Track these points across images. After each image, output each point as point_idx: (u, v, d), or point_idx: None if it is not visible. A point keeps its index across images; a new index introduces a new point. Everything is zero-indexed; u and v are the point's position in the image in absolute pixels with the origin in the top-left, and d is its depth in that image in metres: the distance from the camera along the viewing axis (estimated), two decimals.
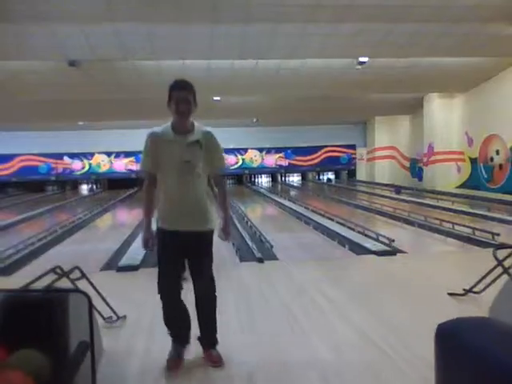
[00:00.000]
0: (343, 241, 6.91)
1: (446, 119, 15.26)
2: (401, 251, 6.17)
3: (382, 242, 6.64)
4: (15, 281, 5.58)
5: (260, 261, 5.86)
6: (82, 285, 3.29)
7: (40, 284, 2.93)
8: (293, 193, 17.59)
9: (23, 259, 6.59)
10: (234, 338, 3.46)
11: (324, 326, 3.74)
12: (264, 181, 22.57)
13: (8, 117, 16.21)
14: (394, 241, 6.50)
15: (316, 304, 4.27)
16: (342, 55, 10.69)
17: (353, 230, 7.82)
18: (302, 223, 9.20)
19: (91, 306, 2.60)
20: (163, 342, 3.23)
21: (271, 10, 8.24)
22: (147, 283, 5.08)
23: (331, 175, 22.84)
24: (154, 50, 9.87)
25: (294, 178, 22.86)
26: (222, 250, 6.72)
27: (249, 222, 8.95)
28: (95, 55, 10.08)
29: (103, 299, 3.53)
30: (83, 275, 3.13)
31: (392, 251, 6.09)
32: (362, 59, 10.83)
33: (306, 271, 5.45)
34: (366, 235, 7.30)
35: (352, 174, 22.14)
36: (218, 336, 3.14)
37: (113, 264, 6.03)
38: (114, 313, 3.77)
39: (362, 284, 4.89)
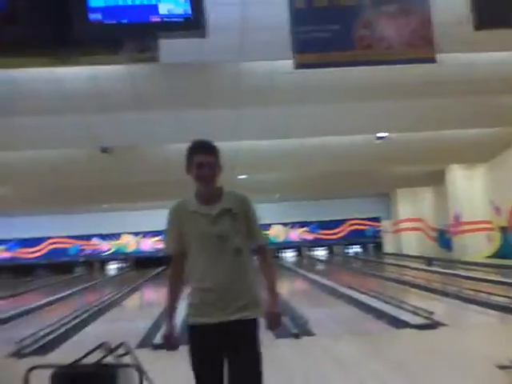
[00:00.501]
0: (379, 314, 6.77)
1: (470, 189, 15.28)
2: (441, 324, 6.00)
3: (419, 315, 6.48)
4: (51, 360, 5.59)
5: (296, 336, 5.76)
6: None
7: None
8: (320, 267, 17.42)
9: (57, 339, 6.59)
10: None
11: None
12: (289, 255, 22.45)
13: (39, 201, 16.81)
14: (432, 313, 6.34)
15: (363, 381, 4.16)
16: (360, 132, 11.03)
17: (387, 303, 7.67)
18: (334, 297, 9.06)
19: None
20: None
21: (293, 92, 8.67)
22: (186, 362, 5.04)
23: (358, 248, 22.63)
24: (181, 134, 10.30)
25: (320, 252, 22.69)
26: None
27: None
28: (125, 142, 10.62)
29: (147, 378, 3.51)
30: (129, 352, 3.15)
31: (432, 324, 5.94)
32: (380, 134, 11.13)
33: (346, 346, 5.33)
34: (401, 308, 7.14)
35: (379, 246, 21.92)
36: None
37: (148, 342, 5.99)
38: None
39: (406, 358, 4.76)
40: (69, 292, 12.82)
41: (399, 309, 7.07)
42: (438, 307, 6.91)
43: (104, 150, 10.67)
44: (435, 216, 18.61)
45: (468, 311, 7.29)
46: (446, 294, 8.41)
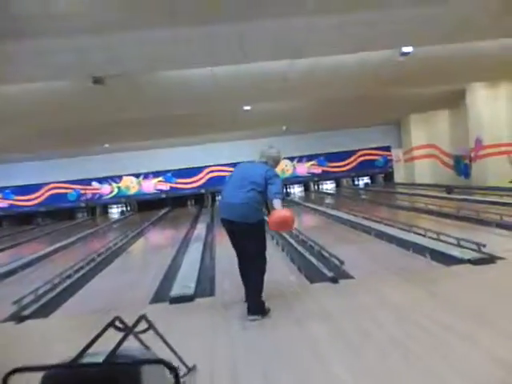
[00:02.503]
0: (421, 250, 5.99)
1: (493, 110, 14.14)
2: (498, 257, 5.23)
3: (468, 248, 5.70)
4: (56, 324, 4.85)
5: (334, 281, 5.01)
6: (146, 336, 2.49)
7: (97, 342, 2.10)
8: (333, 201, 16.68)
9: (61, 295, 5.86)
10: None
11: (451, 356, 2.93)
12: (297, 190, 21.71)
13: (28, 145, 15.75)
14: (484, 246, 5.55)
15: (427, 329, 3.42)
16: (384, 46, 9.81)
17: (423, 235, 6.90)
18: (361, 232, 8.30)
19: None
20: None
21: (307, 2, 7.45)
22: (209, 318, 4.31)
23: (367, 180, 21.80)
24: (180, 57, 9.15)
25: (328, 186, 21.92)
26: (283, 270, 5.90)
27: (300, 236, 8.10)
28: (118, 69, 9.44)
29: (172, 350, 2.73)
30: (150, 326, 2.34)
31: (488, 258, 5.17)
32: (405, 50, 9.93)
33: (394, 288, 4.58)
34: (441, 241, 6.37)
35: (389, 176, 21.09)
36: None
37: (163, 294, 5.26)
38: (184, 364, 2.96)
39: (470, 299, 4.02)
40: (72, 239, 12.12)
41: (440, 242, 6.30)
42: (484, 238, 6.09)
43: (96, 81, 9.38)
44: (452, 142, 17.62)
45: None
46: (485, 223, 7.62)
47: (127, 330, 1.99)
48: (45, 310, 5.19)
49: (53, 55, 8.47)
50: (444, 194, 13.19)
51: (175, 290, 5.16)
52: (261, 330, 3.81)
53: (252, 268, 4.10)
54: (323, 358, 3.14)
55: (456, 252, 5.49)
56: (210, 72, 10.59)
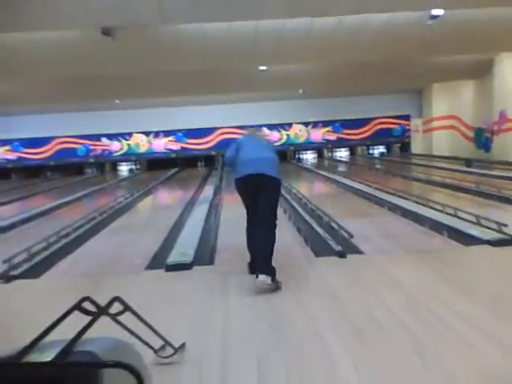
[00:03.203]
0: (437, 226, 5.62)
1: None
2: None
3: (487, 227, 5.32)
4: (45, 285, 4.62)
5: (341, 255, 4.69)
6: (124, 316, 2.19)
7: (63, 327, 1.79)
8: (346, 169, 16.23)
9: (56, 254, 5.62)
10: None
11: (464, 349, 2.63)
12: (310, 157, 21.25)
13: (39, 97, 15.42)
14: (506, 225, 5.16)
15: (438, 316, 3.10)
16: (412, 7, 9.18)
17: (440, 211, 6.51)
18: (373, 204, 7.92)
19: None
20: None
21: None
22: (206, 289, 4.03)
23: (382, 149, 21.24)
24: (195, 9, 8.64)
25: (342, 154, 21.41)
26: (288, 241, 5.58)
27: (309, 205, 7.75)
28: (130, 21, 8.97)
29: (154, 331, 2.44)
30: (126, 308, 2.02)
31: (509, 239, 4.79)
32: (435, 12, 9.28)
33: (406, 268, 4.25)
34: (460, 218, 5.98)
35: (406, 147, 20.51)
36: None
37: (161, 260, 4.99)
38: (169, 344, 2.68)
39: (489, 285, 3.68)
40: (79, 194, 11.94)
41: (458, 219, 5.91)
42: (505, 217, 5.70)
43: (104, 32, 8.94)
44: (475, 113, 16.93)
45: None
46: (508, 201, 7.20)
47: (97, 314, 1.67)
48: (37, 269, 4.96)
49: (58, 2, 8.05)
50: (463, 168, 12.69)
51: (172, 257, 4.88)
52: (258, 306, 3.51)
53: (267, 223, 3.96)
54: (323, 342, 2.83)
55: (475, 231, 5.12)
56: (226, 26, 10.07)
